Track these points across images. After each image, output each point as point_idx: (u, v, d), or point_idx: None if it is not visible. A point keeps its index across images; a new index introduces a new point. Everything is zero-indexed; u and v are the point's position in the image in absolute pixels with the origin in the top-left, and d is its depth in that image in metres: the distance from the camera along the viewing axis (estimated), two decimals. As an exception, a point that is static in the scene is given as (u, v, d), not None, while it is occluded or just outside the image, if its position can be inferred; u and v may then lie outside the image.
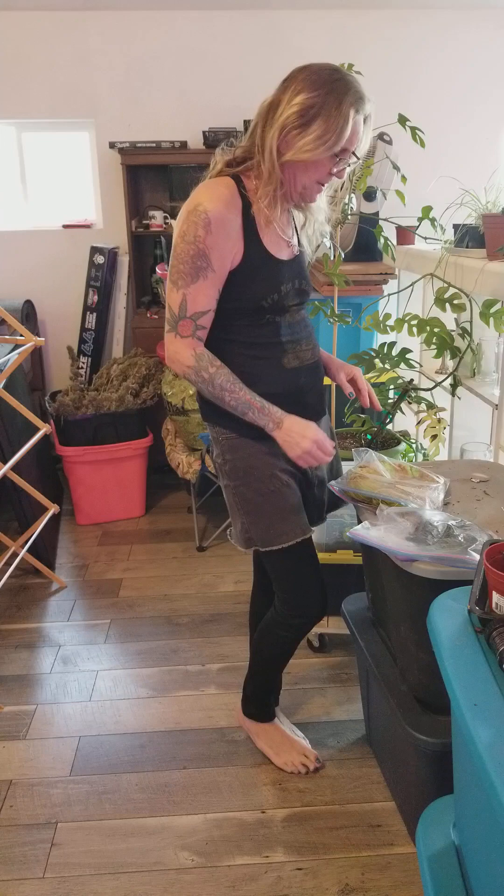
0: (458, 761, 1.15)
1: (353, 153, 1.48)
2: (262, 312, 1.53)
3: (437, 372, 2.81)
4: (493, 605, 1.12)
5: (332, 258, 2.55)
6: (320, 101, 1.39)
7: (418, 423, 2.52)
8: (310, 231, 1.66)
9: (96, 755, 1.98)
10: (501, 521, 1.55)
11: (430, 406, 2.34)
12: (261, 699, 1.93)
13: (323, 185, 1.52)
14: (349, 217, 2.71)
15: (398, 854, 1.66)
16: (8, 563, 2.73)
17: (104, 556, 3.08)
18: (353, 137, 1.44)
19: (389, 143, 2.90)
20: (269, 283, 1.52)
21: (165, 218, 3.68)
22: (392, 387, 2.54)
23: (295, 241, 1.62)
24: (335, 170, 1.48)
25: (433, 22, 3.63)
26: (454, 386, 2.43)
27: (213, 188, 1.47)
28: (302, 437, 1.51)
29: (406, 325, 2.33)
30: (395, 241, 3.06)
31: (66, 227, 3.87)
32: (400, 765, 1.71)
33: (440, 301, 2.24)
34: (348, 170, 1.52)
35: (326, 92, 1.39)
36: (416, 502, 1.53)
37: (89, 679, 2.29)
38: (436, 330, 2.26)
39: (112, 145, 3.54)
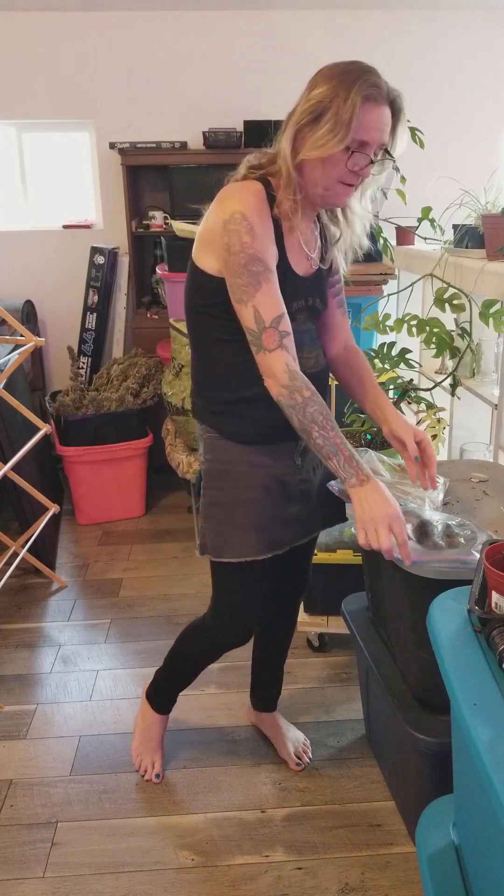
0: (458, 761, 1.15)
1: (386, 151, 1.37)
2: None
3: (436, 372, 2.81)
4: (493, 605, 1.12)
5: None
6: (331, 94, 1.31)
7: (418, 423, 2.51)
8: (345, 245, 1.55)
9: (96, 755, 1.98)
10: (501, 521, 1.55)
11: (430, 406, 2.35)
12: (165, 692, 1.90)
13: (349, 185, 1.39)
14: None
15: (398, 854, 1.67)
16: (8, 563, 2.74)
17: (104, 556, 3.08)
18: (370, 128, 1.32)
19: (389, 143, 2.90)
20: (284, 296, 1.41)
21: (165, 218, 3.68)
22: (392, 387, 2.54)
23: (316, 256, 1.52)
24: (355, 167, 1.35)
25: (433, 22, 3.63)
26: (454, 386, 2.44)
27: (240, 192, 1.38)
28: (380, 506, 1.32)
29: (406, 325, 2.33)
30: (394, 242, 3.06)
31: (66, 227, 3.87)
32: (400, 764, 1.71)
33: (440, 301, 2.24)
34: (380, 169, 1.40)
35: (337, 83, 1.31)
36: (415, 502, 1.53)
37: (89, 679, 2.29)
38: (435, 330, 2.27)
39: (112, 146, 3.55)
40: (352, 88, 1.30)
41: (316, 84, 1.34)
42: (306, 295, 1.50)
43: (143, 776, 1.89)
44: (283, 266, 1.42)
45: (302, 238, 1.47)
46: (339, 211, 1.53)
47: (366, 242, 1.56)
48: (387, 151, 1.38)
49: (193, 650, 1.81)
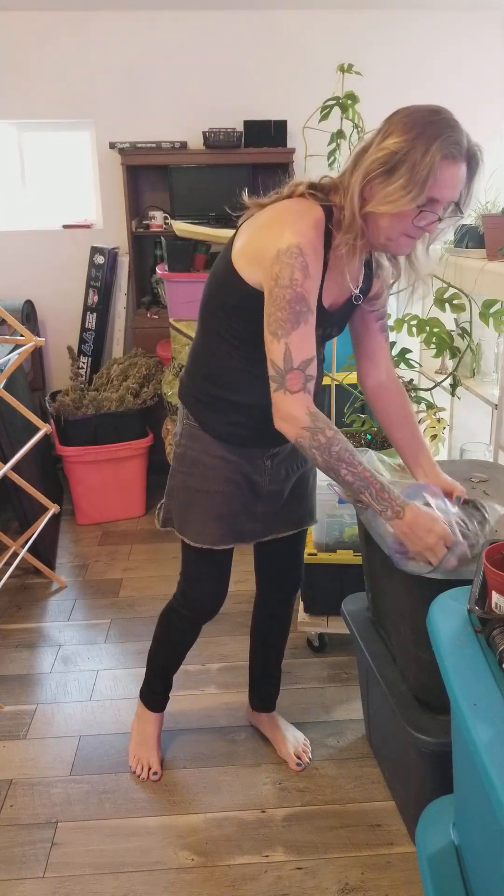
0: (458, 761, 1.15)
1: (457, 205, 1.32)
2: None
3: (436, 372, 2.81)
4: (493, 605, 1.12)
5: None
6: (407, 147, 1.23)
7: (418, 422, 2.52)
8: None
9: (96, 755, 1.98)
10: (501, 521, 1.55)
11: (430, 406, 2.35)
12: (153, 686, 1.93)
13: (413, 238, 1.35)
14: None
15: (398, 854, 1.67)
16: (8, 563, 2.74)
17: (104, 556, 3.08)
18: (443, 187, 1.26)
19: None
20: None
21: (165, 218, 3.68)
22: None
23: (357, 287, 1.48)
24: (422, 223, 1.29)
25: (433, 22, 3.63)
26: (454, 386, 2.44)
27: (301, 222, 1.31)
28: (428, 531, 1.32)
29: (406, 325, 2.33)
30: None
31: (66, 227, 3.87)
32: (400, 764, 1.71)
33: (440, 301, 2.24)
34: (449, 224, 1.35)
35: (416, 135, 1.23)
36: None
37: (89, 679, 2.29)
38: (435, 330, 2.27)
39: (112, 145, 3.55)
40: (432, 145, 1.22)
41: (392, 131, 1.26)
42: (329, 325, 1.49)
43: (139, 776, 1.89)
44: (318, 304, 1.38)
45: (350, 276, 1.44)
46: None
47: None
48: (457, 205, 1.32)
49: (166, 629, 1.86)
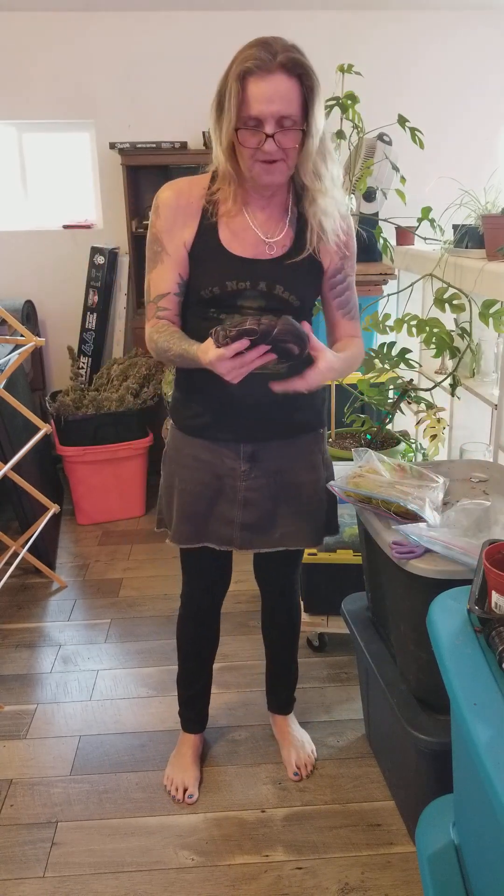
0: (458, 761, 1.15)
1: (305, 119, 1.32)
2: (205, 305, 1.46)
3: (436, 372, 2.81)
4: (493, 605, 1.12)
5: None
6: (221, 81, 1.34)
7: (418, 423, 2.52)
8: (322, 227, 1.45)
9: (96, 755, 1.98)
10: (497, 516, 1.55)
11: (430, 406, 2.35)
12: (181, 699, 1.92)
13: (265, 163, 1.34)
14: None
15: (398, 853, 1.67)
16: (8, 563, 2.74)
17: (104, 556, 3.08)
18: (254, 102, 1.29)
19: (389, 143, 2.90)
20: (212, 275, 1.44)
21: (165, 218, 3.67)
22: (392, 387, 2.55)
23: (283, 241, 1.46)
24: (250, 143, 1.33)
25: (433, 22, 3.63)
26: (454, 386, 2.44)
27: (167, 187, 1.51)
28: (213, 366, 1.29)
29: (405, 325, 2.33)
30: (394, 242, 3.07)
31: (66, 227, 3.87)
32: (400, 764, 1.71)
33: (440, 301, 2.24)
34: (291, 142, 1.33)
35: (227, 69, 1.32)
36: (415, 502, 1.53)
37: (89, 679, 2.30)
38: (435, 330, 2.27)
39: (112, 146, 3.55)
40: (231, 68, 1.31)
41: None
42: (254, 277, 1.44)
43: (174, 798, 1.83)
44: (215, 246, 1.45)
45: (255, 222, 1.46)
46: (307, 195, 1.45)
47: (336, 225, 1.47)
48: (305, 119, 1.33)
49: (176, 634, 1.88)
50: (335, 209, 1.46)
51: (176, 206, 1.47)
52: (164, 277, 1.48)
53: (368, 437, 2.63)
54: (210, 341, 1.29)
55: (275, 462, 1.59)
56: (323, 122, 1.37)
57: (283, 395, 1.39)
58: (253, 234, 1.46)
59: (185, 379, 1.60)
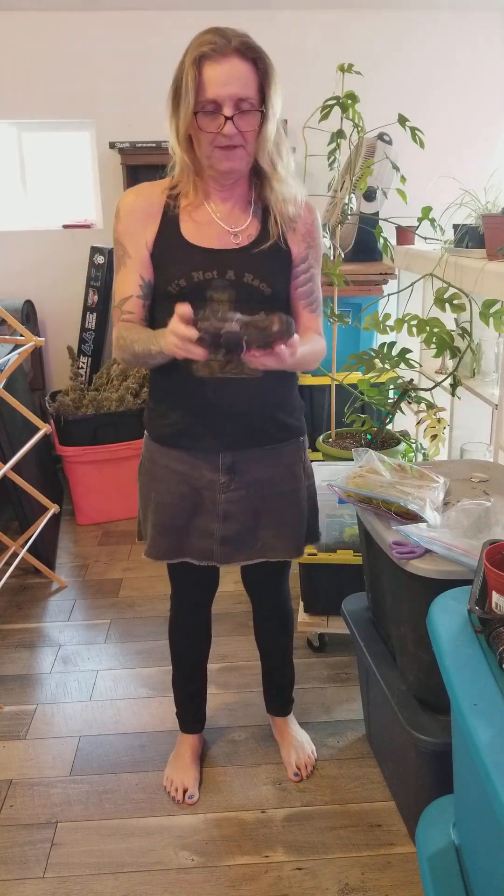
0: (458, 761, 1.15)
1: (262, 101, 1.33)
2: (172, 300, 1.35)
3: (436, 372, 2.81)
4: (493, 605, 1.12)
5: (332, 258, 2.55)
6: (176, 70, 1.36)
7: (418, 423, 2.52)
8: (283, 212, 1.46)
9: (96, 755, 1.98)
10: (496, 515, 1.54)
11: (430, 406, 2.34)
12: (177, 700, 1.92)
13: (223, 148, 1.35)
14: (349, 217, 2.71)
15: (398, 854, 1.67)
16: (8, 563, 2.73)
17: (104, 556, 3.08)
18: (210, 85, 1.30)
19: (389, 143, 2.91)
20: (177, 268, 1.42)
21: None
22: (392, 387, 2.54)
23: (248, 231, 1.46)
24: (209, 128, 1.34)
25: (433, 22, 3.63)
26: (454, 386, 2.43)
27: (139, 185, 1.53)
28: (168, 343, 1.26)
29: (406, 325, 2.33)
30: (394, 242, 3.06)
31: (66, 227, 3.87)
32: (400, 765, 1.71)
33: (440, 301, 2.24)
34: (248, 125, 1.34)
35: (181, 59, 1.35)
36: (416, 502, 1.53)
37: (89, 679, 2.29)
38: (435, 330, 2.27)
39: (112, 145, 3.54)
40: (184, 57, 1.33)
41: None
42: (221, 267, 1.42)
43: (174, 799, 1.83)
44: (177, 240, 1.45)
45: (217, 214, 1.46)
46: (265, 183, 1.45)
47: (291, 209, 1.46)
48: (262, 101, 1.34)
49: (169, 638, 1.87)
50: (293, 196, 1.46)
51: (135, 208, 1.48)
52: (127, 280, 1.48)
53: (369, 437, 2.62)
54: (176, 319, 1.22)
55: (255, 473, 1.55)
56: (280, 106, 1.38)
57: (261, 402, 1.45)
58: (217, 226, 1.46)
59: (160, 386, 1.55)
